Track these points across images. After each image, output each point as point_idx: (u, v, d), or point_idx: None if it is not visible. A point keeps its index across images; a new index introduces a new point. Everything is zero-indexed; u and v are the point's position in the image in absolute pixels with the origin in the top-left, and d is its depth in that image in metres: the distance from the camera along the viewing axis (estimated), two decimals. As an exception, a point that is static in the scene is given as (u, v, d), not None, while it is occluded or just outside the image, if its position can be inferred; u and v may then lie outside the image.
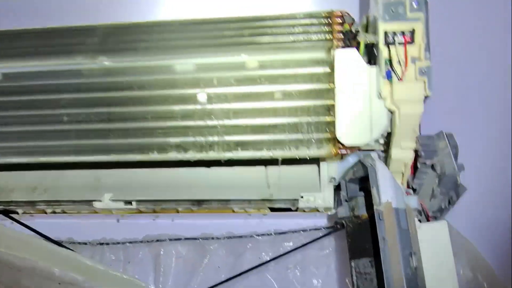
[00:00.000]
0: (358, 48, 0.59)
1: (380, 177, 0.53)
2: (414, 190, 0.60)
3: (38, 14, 0.77)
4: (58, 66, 0.64)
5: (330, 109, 0.59)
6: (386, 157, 0.62)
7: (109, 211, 0.71)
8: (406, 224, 0.52)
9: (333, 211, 0.67)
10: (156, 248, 0.76)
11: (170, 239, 0.76)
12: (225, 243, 0.75)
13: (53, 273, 0.54)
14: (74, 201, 0.70)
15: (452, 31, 0.67)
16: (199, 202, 0.68)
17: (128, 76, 0.63)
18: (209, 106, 0.61)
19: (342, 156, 0.65)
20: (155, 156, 0.62)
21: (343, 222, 0.61)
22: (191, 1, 0.77)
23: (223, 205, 0.68)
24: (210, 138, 0.61)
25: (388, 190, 0.53)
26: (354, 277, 0.58)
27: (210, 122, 0.61)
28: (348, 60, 0.59)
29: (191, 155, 0.61)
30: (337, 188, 0.67)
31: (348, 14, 0.62)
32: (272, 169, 0.69)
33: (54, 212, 0.73)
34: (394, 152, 0.59)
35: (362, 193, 0.61)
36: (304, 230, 0.74)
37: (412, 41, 0.56)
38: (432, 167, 0.54)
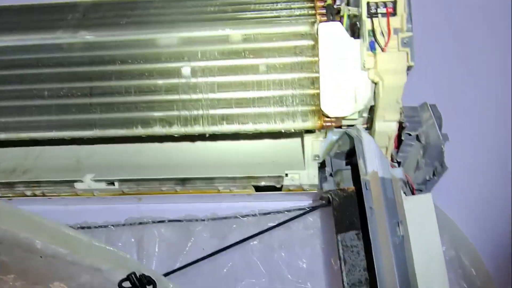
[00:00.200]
0: (341, 21, 0.58)
1: (366, 147, 0.53)
2: (399, 164, 0.60)
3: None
4: (39, 40, 0.63)
5: (314, 82, 0.58)
6: (370, 134, 0.61)
7: (91, 193, 0.69)
8: (392, 194, 0.51)
9: (317, 190, 0.67)
10: (139, 231, 0.73)
11: (154, 222, 0.73)
12: (209, 224, 0.73)
13: (35, 246, 0.51)
14: (54, 182, 0.67)
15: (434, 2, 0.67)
16: (183, 181, 0.66)
17: (110, 50, 0.61)
18: (193, 80, 0.60)
19: (326, 130, 0.64)
20: (139, 131, 0.60)
21: (329, 196, 0.60)
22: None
23: (208, 184, 0.66)
24: (195, 112, 0.59)
25: (374, 160, 0.52)
26: (341, 251, 0.57)
27: (194, 96, 0.59)
28: (332, 33, 0.58)
29: (176, 130, 0.59)
30: (321, 167, 0.66)
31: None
32: (256, 146, 0.68)
33: (34, 195, 0.70)
34: (378, 125, 0.58)
35: (347, 167, 0.60)
36: (288, 211, 0.72)
37: (394, 12, 0.56)
38: (417, 138, 0.54)
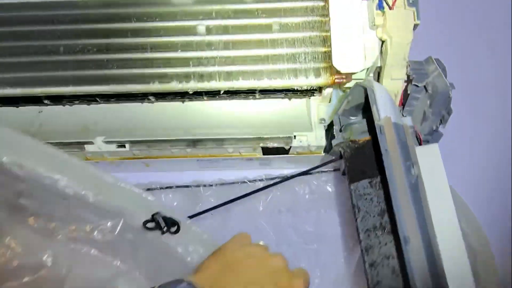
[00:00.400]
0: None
1: (378, 95, 0.55)
2: (406, 118, 0.62)
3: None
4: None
5: (326, 40, 0.60)
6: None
7: (101, 157, 0.68)
8: (405, 138, 0.53)
9: (324, 154, 0.69)
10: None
11: (161, 188, 0.73)
12: (217, 189, 0.73)
13: (59, 187, 0.50)
14: (64, 144, 0.66)
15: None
16: (194, 142, 0.67)
17: (126, 8, 0.62)
18: (208, 37, 0.61)
19: (331, 95, 0.67)
20: (156, 86, 0.60)
21: (340, 149, 0.62)
22: None
23: (218, 145, 0.67)
24: (211, 68, 0.60)
25: (387, 107, 0.54)
26: (354, 199, 0.59)
27: (210, 53, 0.61)
28: (342, -6, 0.61)
29: (193, 85, 0.60)
30: (327, 130, 0.68)
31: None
32: (263, 110, 0.70)
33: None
34: (385, 82, 0.61)
35: (356, 121, 0.62)
36: (293, 176, 0.73)
37: (401, -26, 0.59)
38: (424, 88, 0.56)
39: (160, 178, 0.74)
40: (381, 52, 0.60)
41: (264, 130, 0.67)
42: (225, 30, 0.61)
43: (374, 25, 0.59)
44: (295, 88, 0.62)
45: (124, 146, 0.67)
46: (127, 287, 0.57)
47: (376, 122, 0.54)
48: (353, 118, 0.64)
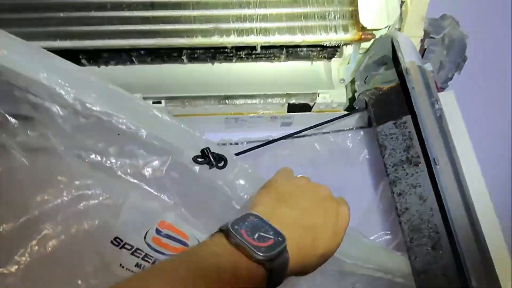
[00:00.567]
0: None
1: (402, 43, 0.62)
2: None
3: None
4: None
5: (353, 1, 0.67)
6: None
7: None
8: (427, 78, 0.60)
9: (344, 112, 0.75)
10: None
11: (190, 146, 0.77)
12: (243, 147, 0.78)
13: (114, 122, 0.52)
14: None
15: None
16: (226, 98, 0.72)
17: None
18: (245, -2, 0.67)
19: (350, 58, 0.74)
20: (198, 40, 0.65)
21: (365, 97, 0.68)
22: None
23: (249, 100, 0.72)
24: (249, 24, 0.66)
25: (411, 53, 0.61)
26: (381, 140, 0.65)
27: (248, 11, 0.66)
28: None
29: (232, 39, 0.65)
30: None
31: None
32: (289, 69, 0.76)
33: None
34: (404, 39, 0.68)
35: (379, 72, 0.69)
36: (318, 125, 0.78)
37: None
38: (442, 39, 0.64)
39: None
40: (400, 11, 0.68)
41: (291, 88, 0.73)
42: (262, -10, 0.67)
43: (396, -14, 0.66)
44: (324, 45, 0.68)
45: (160, 102, 0.71)
46: (174, 220, 0.60)
47: (402, 65, 0.61)
48: (372, 72, 0.71)
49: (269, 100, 0.73)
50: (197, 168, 0.56)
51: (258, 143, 0.78)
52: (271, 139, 0.79)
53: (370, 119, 0.71)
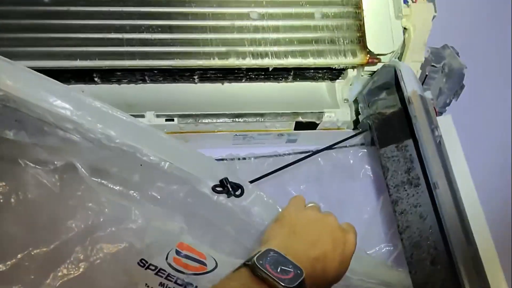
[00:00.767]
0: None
1: (404, 72, 0.66)
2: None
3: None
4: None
5: (360, 27, 0.71)
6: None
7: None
8: (428, 106, 0.65)
9: (347, 129, 0.80)
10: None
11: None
12: (250, 162, 0.81)
13: (139, 154, 0.54)
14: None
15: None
16: (237, 116, 0.75)
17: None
18: (260, 23, 0.69)
19: (353, 80, 0.78)
20: (216, 62, 0.68)
21: (369, 121, 0.73)
22: None
23: (259, 119, 0.76)
24: (263, 48, 0.69)
25: (413, 82, 0.66)
26: (383, 161, 0.70)
27: (262, 35, 0.69)
28: (371, -9, 0.72)
29: (248, 62, 0.68)
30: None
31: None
32: (296, 89, 0.79)
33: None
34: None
35: (382, 97, 0.73)
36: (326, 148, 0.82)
37: (420, -24, 0.71)
38: (442, 68, 0.69)
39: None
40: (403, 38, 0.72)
41: (298, 107, 0.77)
42: (274, 16, 0.70)
43: (401, 15, 0.70)
44: (333, 67, 0.72)
45: (173, 120, 0.74)
46: (191, 241, 0.63)
47: (405, 94, 0.65)
48: (376, 97, 0.75)
49: (278, 118, 0.76)
50: (215, 196, 0.59)
51: (265, 158, 0.83)
52: (277, 154, 0.83)
53: (372, 138, 0.76)
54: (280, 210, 0.60)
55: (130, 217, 0.59)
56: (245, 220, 0.62)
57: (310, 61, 0.70)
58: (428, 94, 0.68)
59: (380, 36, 0.70)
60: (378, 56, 0.71)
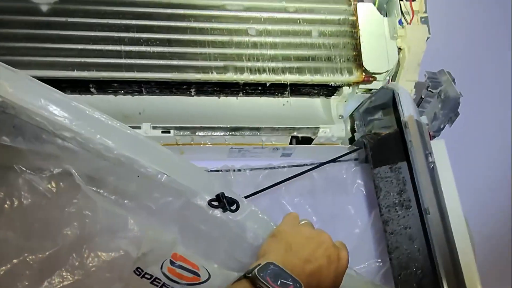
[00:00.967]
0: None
1: (403, 97, 0.68)
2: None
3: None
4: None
5: (356, 46, 0.73)
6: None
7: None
8: (423, 132, 0.67)
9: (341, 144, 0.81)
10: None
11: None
12: (245, 174, 0.83)
13: (136, 165, 0.55)
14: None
15: None
16: (233, 130, 0.77)
17: (184, 9, 0.71)
18: (258, 39, 0.71)
19: (348, 97, 0.80)
20: (213, 76, 0.69)
21: (364, 140, 0.74)
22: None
23: (254, 133, 0.77)
24: (261, 64, 0.71)
25: (410, 107, 0.68)
26: (377, 181, 0.71)
27: (260, 51, 0.71)
28: (367, 11, 0.75)
29: (246, 77, 0.70)
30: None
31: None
32: (292, 105, 0.81)
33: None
34: (401, 83, 0.75)
35: (378, 118, 0.75)
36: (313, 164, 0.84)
37: (414, -1, 0.74)
38: (439, 93, 0.71)
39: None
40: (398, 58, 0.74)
41: (294, 122, 0.79)
42: (273, 33, 0.72)
43: (396, 36, 0.73)
44: (329, 84, 0.74)
45: (169, 132, 0.75)
46: (184, 252, 0.64)
47: (402, 118, 0.67)
48: (372, 116, 0.77)
49: (274, 132, 0.78)
50: (210, 210, 0.60)
51: (260, 171, 0.84)
52: (272, 167, 0.85)
53: (366, 156, 0.78)
54: (273, 226, 0.61)
55: (127, 226, 0.59)
56: (239, 234, 0.63)
57: (307, 78, 0.71)
58: (423, 119, 0.69)
59: (376, 55, 0.73)
60: (373, 75, 0.73)
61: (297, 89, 0.79)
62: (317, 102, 0.83)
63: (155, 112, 0.77)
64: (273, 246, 0.53)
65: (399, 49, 0.74)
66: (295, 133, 0.78)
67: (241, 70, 0.70)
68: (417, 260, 0.66)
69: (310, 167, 0.83)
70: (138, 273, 0.59)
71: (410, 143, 0.65)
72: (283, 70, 0.71)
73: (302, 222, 0.59)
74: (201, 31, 0.70)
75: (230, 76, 0.69)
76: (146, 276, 0.59)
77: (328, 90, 0.80)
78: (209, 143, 0.78)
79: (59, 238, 0.55)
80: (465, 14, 0.97)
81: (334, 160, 0.78)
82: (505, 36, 0.98)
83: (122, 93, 0.76)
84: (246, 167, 0.83)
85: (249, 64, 0.70)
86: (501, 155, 0.95)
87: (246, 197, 0.67)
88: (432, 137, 0.74)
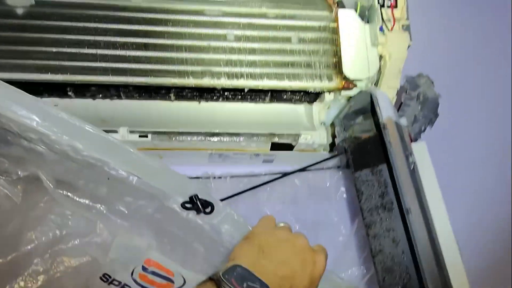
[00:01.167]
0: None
1: (380, 99, 0.66)
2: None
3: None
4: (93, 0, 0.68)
5: (336, 52, 0.72)
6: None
7: (122, 146, 0.73)
8: (403, 133, 0.65)
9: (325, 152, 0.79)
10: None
11: (174, 178, 0.79)
12: (226, 181, 0.80)
13: (105, 168, 0.54)
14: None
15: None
16: (212, 135, 0.74)
17: (162, 14, 0.69)
18: (236, 44, 0.70)
19: (330, 103, 0.78)
20: (190, 80, 0.67)
21: (345, 144, 0.72)
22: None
23: (233, 138, 0.75)
24: (239, 69, 0.69)
25: (388, 109, 0.66)
26: (358, 185, 0.69)
27: (238, 57, 0.69)
28: (348, 17, 0.73)
29: (223, 82, 0.68)
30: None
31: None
32: (273, 111, 0.79)
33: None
34: (383, 90, 0.73)
35: (357, 122, 0.73)
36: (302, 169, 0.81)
37: (396, 5, 0.72)
38: (417, 96, 0.69)
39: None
40: (379, 65, 0.73)
41: (275, 128, 0.77)
42: (251, 39, 0.70)
43: (377, 43, 0.71)
44: (308, 91, 0.72)
45: (147, 136, 0.73)
46: (159, 258, 0.62)
47: (380, 120, 0.65)
48: (352, 121, 0.75)
49: (254, 138, 0.76)
50: (184, 213, 0.58)
51: (240, 178, 0.82)
52: (253, 174, 0.82)
53: (347, 161, 0.76)
54: (250, 229, 0.59)
55: (95, 231, 0.57)
56: (215, 238, 0.61)
57: (285, 84, 0.70)
58: (403, 121, 0.67)
59: (356, 62, 0.71)
60: (354, 82, 0.71)
61: (279, 95, 0.77)
62: (301, 108, 0.81)
63: (133, 116, 0.75)
64: (245, 248, 0.51)
65: (381, 56, 0.72)
66: (275, 139, 0.76)
67: (218, 75, 0.68)
68: (401, 263, 0.64)
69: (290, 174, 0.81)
70: (105, 279, 0.56)
71: (389, 144, 0.63)
72: (261, 76, 0.69)
73: (280, 225, 0.57)
74: (179, 35, 0.68)
75: (207, 81, 0.67)
76: (114, 282, 0.57)
77: (310, 97, 0.78)
78: (188, 148, 0.75)
79: (22, 242, 0.53)
80: (447, 20, 0.96)
81: (312, 166, 0.75)
82: (485, 41, 0.98)
83: (100, 97, 0.74)
84: (227, 174, 0.81)
85: (227, 69, 0.68)
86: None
87: (222, 200, 0.64)
88: (414, 140, 0.72)
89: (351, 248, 0.80)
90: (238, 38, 0.70)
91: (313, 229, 0.81)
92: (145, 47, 0.68)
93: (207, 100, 0.77)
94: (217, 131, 0.74)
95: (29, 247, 0.53)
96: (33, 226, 0.54)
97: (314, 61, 0.71)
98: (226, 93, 0.74)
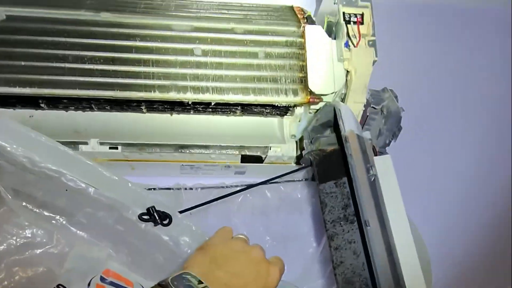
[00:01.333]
0: (322, 26, 0.74)
1: (343, 112, 0.66)
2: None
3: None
4: (63, 15, 0.69)
5: (302, 67, 0.72)
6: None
7: (93, 157, 0.73)
8: (365, 146, 0.64)
9: (293, 164, 0.79)
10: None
11: (145, 188, 0.78)
12: (197, 193, 0.80)
13: (64, 179, 0.55)
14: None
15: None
16: (182, 148, 0.74)
17: (130, 29, 0.70)
18: (203, 59, 0.70)
19: (301, 116, 0.77)
20: (156, 94, 0.67)
21: (311, 156, 0.72)
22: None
23: (203, 151, 0.75)
24: (205, 83, 0.69)
25: (351, 122, 0.65)
26: (322, 197, 0.68)
27: (204, 71, 0.69)
28: (315, 33, 0.73)
29: (189, 96, 0.68)
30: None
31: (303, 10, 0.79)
32: (244, 123, 0.79)
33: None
34: (349, 105, 0.72)
35: (324, 135, 0.73)
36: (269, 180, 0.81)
37: (362, 22, 0.72)
38: (381, 110, 0.69)
39: (143, 181, 0.79)
40: (345, 80, 0.72)
41: (244, 141, 0.76)
42: (218, 54, 0.70)
43: (342, 58, 0.71)
44: (276, 105, 0.71)
45: (117, 148, 0.73)
46: (118, 268, 0.61)
47: (342, 133, 0.65)
48: (319, 134, 0.75)
49: (223, 151, 0.75)
50: (143, 224, 0.58)
51: (211, 189, 0.81)
52: (224, 186, 0.82)
53: (313, 172, 0.75)
54: (208, 240, 0.58)
55: (52, 242, 0.57)
56: (174, 249, 0.61)
57: (251, 98, 0.70)
58: (366, 134, 0.67)
59: (322, 77, 0.71)
60: (319, 96, 0.71)
61: (250, 109, 0.77)
62: (274, 121, 0.81)
63: (106, 128, 0.75)
64: (199, 258, 0.50)
65: (347, 71, 0.71)
66: (245, 152, 0.76)
67: (184, 89, 0.68)
68: (361, 274, 0.63)
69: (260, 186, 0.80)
70: (59, 290, 0.55)
71: (350, 156, 0.62)
72: (227, 90, 0.69)
73: (236, 236, 0.56)
74: (146, 50, 0.69)
75: (172, 95, 0.68)
76: (69, 293, 0.56)
77: (280, 110, 0.78)
78: (158, 160, 0.75)
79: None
80: (414, 36, 0.96)
81: (277, 178, 0.75)
82: (450, 56, 0.99)
83: (73, 109, 0.74)
84: (198, 186, 0.80)
85: (192, 83, 0.68)
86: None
87: (181, 212, 0.64)
88: (379, 153, 0.71)
89: (320, 260, 0.79)
90: (205, 53, 0.70)
91: (283, 240, 0.80)
92: (113, 61, 0.68)
93: (178, 112, 0.76)
94: (187, 143, 0.74)
95: (-18, 257, 0.53)
96: (-14, 237, 0.54)
97: (281, 76, 0.71)
98: (196, 106, 0.74)
